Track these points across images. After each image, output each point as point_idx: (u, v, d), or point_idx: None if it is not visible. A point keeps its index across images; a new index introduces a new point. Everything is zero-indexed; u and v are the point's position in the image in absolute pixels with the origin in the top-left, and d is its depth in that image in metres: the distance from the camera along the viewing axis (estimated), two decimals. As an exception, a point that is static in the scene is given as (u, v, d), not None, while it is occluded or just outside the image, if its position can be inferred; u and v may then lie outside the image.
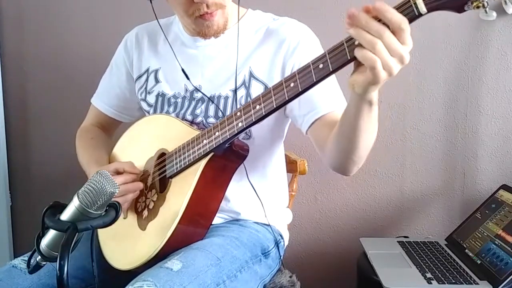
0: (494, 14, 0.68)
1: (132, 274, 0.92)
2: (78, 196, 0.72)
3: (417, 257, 1.43)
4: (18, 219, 1.86)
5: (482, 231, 1.44)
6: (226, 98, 1.09)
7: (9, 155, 1.82)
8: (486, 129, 1.63)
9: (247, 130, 0.96)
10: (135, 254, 1.00)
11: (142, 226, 1.04)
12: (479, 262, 1.36)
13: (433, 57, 1.62)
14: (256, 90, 1.08)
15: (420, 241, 1.55)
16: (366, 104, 0.78)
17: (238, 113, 0.92)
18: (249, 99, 1.08)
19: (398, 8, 0.68)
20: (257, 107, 0.88)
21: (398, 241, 1.55)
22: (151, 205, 1.05)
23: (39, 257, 0.78)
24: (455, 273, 1.32)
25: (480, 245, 1.41)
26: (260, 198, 1.11)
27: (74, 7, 1.75)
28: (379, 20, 0.68)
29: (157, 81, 1.18)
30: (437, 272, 1.33)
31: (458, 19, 1.57)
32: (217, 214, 1.05)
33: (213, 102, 1.09)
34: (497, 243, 1.36)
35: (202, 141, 0.98)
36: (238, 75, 1.09)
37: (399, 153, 1.68)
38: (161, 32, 1.19)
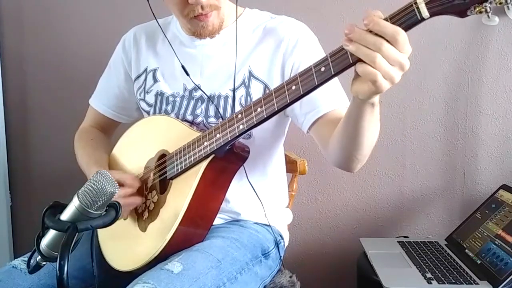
0: (497, 19, 0.68)
1: (132, 275, 0.92)
2: (78, 196, 0.72)
3: (417, 257, 1.43)
4: (18, 219, 1.86)
5: (482, 231, 1.44)
6: (226, 97, 1.09)
7: (9, 155, 1.82)
8: (486, 129, 1.63)
9: None
10: (135, 255, 1.00)
11: (143, 228, 1.04)
12: (479, 262, 1.36)
13: (433, 57, 1.62)
14: (256, 89, 1.08)
15: (420, 241, 1.55)
16: (369, 106, 0.78)
17: (239, 115, 0.92)
18: (248, 98, 1.08)
19: (400, 12, 0.68)
20: (259, 109, 0.88)
21: (398, 241, 1.55)
22: (152, 207, 1.05)
23: (39, 257, 0.77)
24: (455, 273, 1.32)
25: (480, 245, 1.41)
26: (260, 198, 1.11)
27: (74, 7, 1.75)
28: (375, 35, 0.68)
29: (155, 80, 1.17)
30: (437, 272, 1.33)
31: (458, 20, 1.55)
32: (217, 215, 1.05)
33: (212, 102, 1.09)
34: (497, 243, 1.36)
35: (203, 143, 0.98)
36: (238, 74, 1.09)
37: (399, 153, 1.68)
38: (159, 32, 1.19)
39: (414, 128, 1.67)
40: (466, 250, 1.43)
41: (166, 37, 1.17)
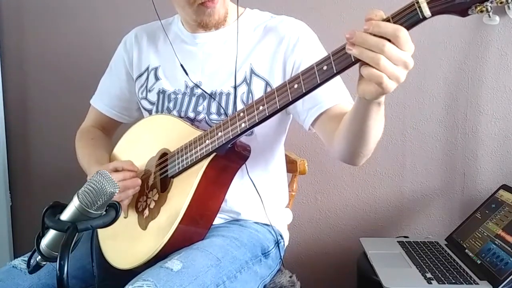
0: (497, 18, 0.69)
1: (132, 273, 0.92)
2: (78, 196, 0.72)
3: (417, 257, 1.43)
4: (18, 219, 1.86)
5: (482, 231, 1.44)
6: (228, 94, 1.09)
7: (9, 155, 1.82)
8: (486, 129, 1.63)
9: None
10: (136, 253, 1.00)
11: (143, 226, 1.04)
12: (479, 262, 1.36)
13: (433, 57, 1.62)
14: (258, 86, 1.08)
15: (420, 241, 1.55)
16: (375, 105, 0.78)
17: (241, 114, 0.92)
18: (250, 95, 1.08)
19: (402, 11, 0.69)
20: (260, 108, 0.88)
21: (398, 241, 1.55)
22: (152, 205, 1.05)
23: (39, 257, 0.77)
24: (455, 273, 1.32)
25: (480, 245, 1.41)
26: (261, 196, 1.11)
27: (74, 7, 1.75)
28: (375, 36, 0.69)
29: (157, 78, 1.18)
30: (437, 272, 1.33)
31: (458, 20, 1.55)
32: (217, 215, 1.05)
33: (214, 98, 1.10)
34: (497, 243, 1.36)
35: (205, 141, 0.98)
36: (239, 72, 1.09)
37: (399, 153, 1.68)
38: (160, 32, 1.20)
39: (414, 128, 1.67)
40: (466, 250, 1.43)
41: (167, 35, 1.17)
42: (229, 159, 1.00)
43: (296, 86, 0.82)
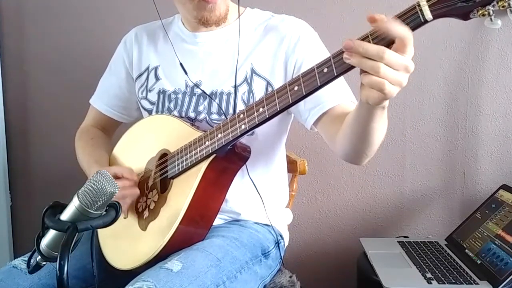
0: (499, 22, 0.69)
1: (132, 274, 0.92)
2: (78, 196, 0.72)
3: (417, 257, 1.43)
4: (18, 219, 1.86)
5: (482, 231, 1.44)
6: (229, 94, 1.09)
7: (9, 155, 1.82)
8: (486, 129, 1.63)
9: None
10: (136, 254, 1.00)
11: (143, 226, 1.04)
12: (479, 262, 1.36)
13: (433, 57, 1.62)
14: (259, 86, 1.08)
15: (420, 241, 1.55)
16: (379, 110, 0.78)
17: (241, 115, 0.92)
18: (251, 95, 1.08)
19: (403, 14, 0.69)
20: (261, 109, 0.88)
21: (398, 241, 1.55)
22: (152, 206, 1.05)
23: (39, 257, 0.77)
24: (455, 273, 1.32)
25: (480, 245, 1.41)
26: (261, 196, 1.11)
27: (74, 7, 1.75)
28: (375, 38, 0.69)
29: (157, 78, 1.18)
30: (437, 272, 1.33)
31: (458, 20, 1.56)
32: (217, 215, 1.05)
33: (212, 99, 1.10)
34: (497, 243, 1.36)
35: (205, 143, 0.98)
36: (240, 71, 1.09)
37: (399, 153, 1.68)
38: (160, 31, 1.20)
39: (414, 128, 1.67)
40: (466, 250, 1.43)
41: (167, 34, 1.17)
42: (229, 160, 1.00)
43: (296, 88, 0.82)
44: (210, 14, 1.07)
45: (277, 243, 1.16)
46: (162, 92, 1.16)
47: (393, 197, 1.71)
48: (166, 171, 1.05)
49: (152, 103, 1.18)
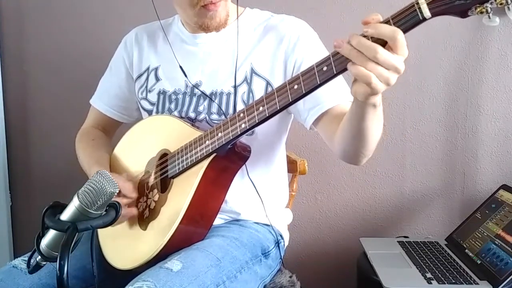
0: (497, 20, 0.69)
1: (132, 274, 0.92)
2: (78, 196, 0.72)
3: (417, 257, 1.43)
4: (18, 219, 1.86)
5: (482, 231, 1.44)
6: (228, 94, 1.09)
7: (9, 155, 1.82)
8: (486, 129, 1.63)
9: None
10: (136, 254, 1.00)
11: (143, 226, 1.04)
12: (479, 262, 1.36)
13: (433, 57, 1.62)
14: (258, 86, 1.08)
15: (420, 241, 1.55)
16: (370, 107, 0.79)
17: (241, 114, 0.92)
18: (251, 95, 1.08)
19: (402, 12, 0.69)
20: (260, 108, 0.88)
21: (398, 241, 1.55)
22: (152, 205, 1.05)
23: (39, 257, 0.78)
24: (455, 273, 1.32)
25: (480, 245, 1.41)
26: (261, 196, 1.11)
27: (74, 7, 1.75)
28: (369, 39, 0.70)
29: (157, 79, 1.18)
30: (437, 272, 1.33)
31: (458, 20, 1.55)
32: (217, 215, 1.05)
33: (212, 99, 1.10)
34: (497, 243, 1.36)
35: (205, 142, 0.98)
36: (240, 71, 1.09)
37: (399, 153, 1.68)
38: (160, 32, 1.20)
39: (414, 128, 1.67)
40: (466, 250, 1.43)
41: (166, 36, 1.17)
42: (229, 159, 1.00)
43: (296, 86, 0.82)
44: (211, 21, 1.07)
45: (277, 243, 1.16)
46: (162, 93, 1.16)
47: (393, 197, 1.71)
48: (167, 171, 1.05)
49: (152, 104, 1.18)
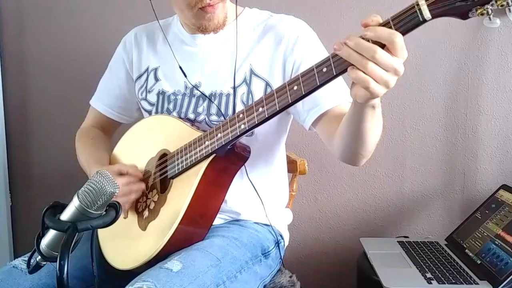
0: (498, 21, 0.69)
1: (132, 274, 0.92)
2: (78, 196, 0.72)
3: (417, 257, 1.43)
4: (18, 219, 1.86)
5: (482, 231, 1.44)
6: (228, 95, 1.09)
7: (9, 155, 1.82)
8: (486, 129, 1.63)
9: None
10: (136, 254, 1.00)
11: (143, 226, 1.04)
12: (479, 262, 1.36)
13: (433, 57, 1.62)
14: (258, 87, 1.08)
15: (420, 241, 1.55)
16: (369, 109, 0.79)
17: (241, 115, 0.92)
18: (250, 96, 1.08)
19: (402, 14, 0.69)
20: (260, 109, 0.88)
21: (398, 241, 1.55)
22: (152, 205, 1.05)
23: (39, 257, 0.77)
24: (455, 273, 1.32)
25: (480, 245, 1.41)
26: (261, 197, 1.11)
27: (74, 7, 1.75)
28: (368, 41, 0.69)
29: (156, 79, 1.18)
30: (437, 272, 1.33)
31: (458, 20, 1.56)
32: (217, 215, 1.05)
33: (211, 100, 1.10)
34: (497, 243, 1.36)
35: (204, 142, 0.98)
36: (239, 72, 1.09)
37: (399, 153, 1.68)
38: (159, 32, 1.20)
39: (414, 128, 1.67)
40: (466, 250, 1.43)
41: (165, 37, 1.17)
42: (228, 160, 1.00)
43: (295, 88, 0.82)
44: (209, 23, 1.07)
45: (277, 243, 1.16)
46: (161, 93, 1.16)
47: (393, 197, 1.71)
48: (166, 171, 1.05)
49: (151, 104, 1.18)
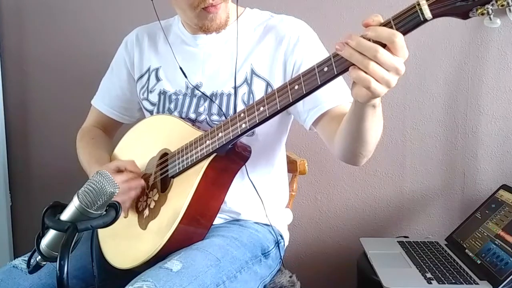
0: (498, 21, 0.69)
1: (132, 273, 0.92)
2: (78, 196, 0.72)
3: (417, 257, 1.43)
4: (18, 219, 1.86)
5: (482, 231, 1.44)
6: (229, 95, 1.09)
7: (9, 155, 1.82)
8: (486, 129, 1.63)
9: None
10: (136, 253, 1.00)
11: (143, 226, 1.04)
12: (479, 262, 1.36)
13: (433, 57, 1.62)
14: (259, 87, 1.09)
15: (420, 241, 1.55)
16: (370, 108, 0.79)
17: (242, 114, 0.92)
18: (251, 96, 1.08)
19: (403, 13, 0.69)
20: (261, 108, 0.88)
21: (398, 241, 1.55)
22: (152, 205, 1.05)
23: (39, 257, 0.77)
24: (455, 273, 1.32)
25: (480, 245, 1.41)
26: (261, 196, 1.11)
27: (74, 7, 1.75)
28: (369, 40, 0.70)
29: (158, 79, 1.18)
30: (437, 272, 1.33)
31: (458, 20, 1.56)
32: (218, 215, 1.05)
33: (212, 100, 1.10)
34: (497, 243, 1.36)
35: (205, 142, 0.98)
36: (240, 72, 1.10)
37: (399, 153, 1.68)
38: (160, 32, 1.20)
39: (414, 128, 1.67)
40: (466, 250, 1.44)
41: (166, 38, 1.17)
42: (229, 159, 1.00)
43: (296, 87, 0.82)
44: (211, 23, 1.07)
45: (277, 243, 1.16)
46: (162, 93, 1.17)
47: (393, 197, 1.71)
48: (167, 171, 1.05)
49: (153, 104, 1.18)
